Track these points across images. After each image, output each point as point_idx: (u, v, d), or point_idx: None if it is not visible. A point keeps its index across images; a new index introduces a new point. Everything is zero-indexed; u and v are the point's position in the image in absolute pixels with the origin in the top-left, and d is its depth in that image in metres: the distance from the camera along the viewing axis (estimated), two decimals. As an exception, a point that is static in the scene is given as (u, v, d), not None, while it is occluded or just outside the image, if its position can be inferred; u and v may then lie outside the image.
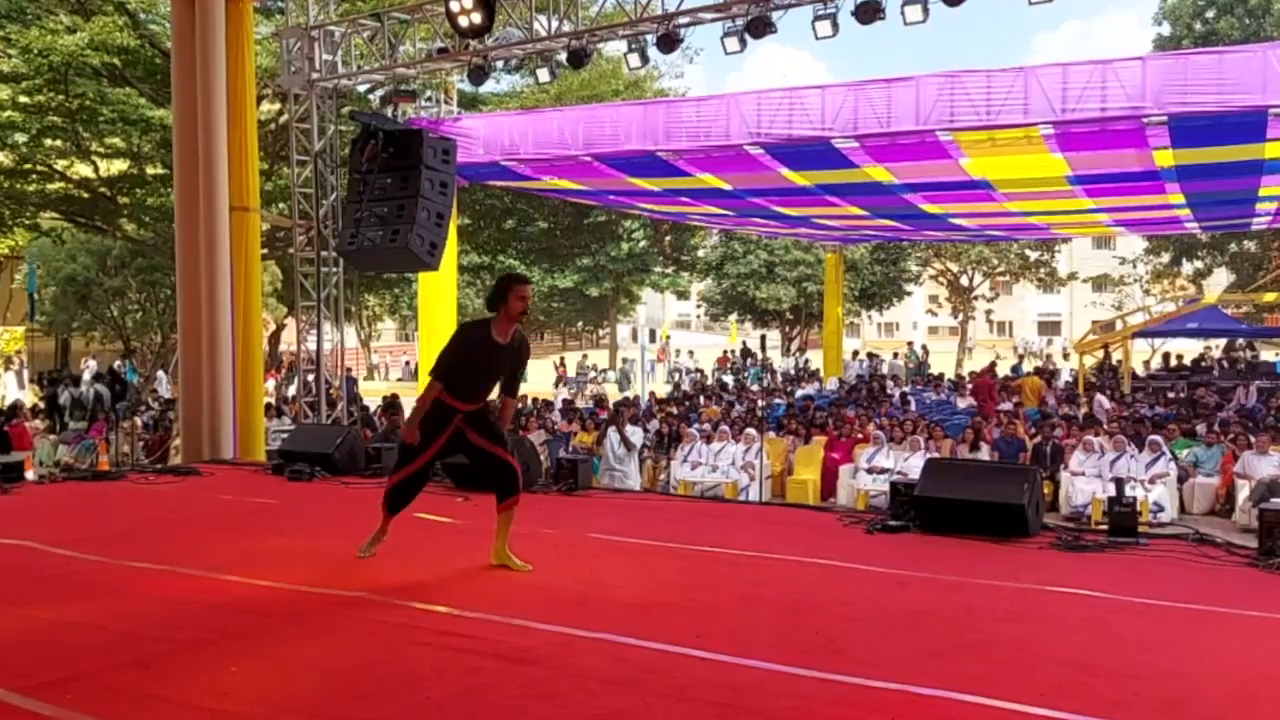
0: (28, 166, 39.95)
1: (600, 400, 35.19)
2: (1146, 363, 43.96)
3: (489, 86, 32.09)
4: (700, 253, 64.74)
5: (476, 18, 18.36)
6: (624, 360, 65.03)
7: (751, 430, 24.77)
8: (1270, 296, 43.56)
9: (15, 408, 32.04)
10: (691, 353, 70.87)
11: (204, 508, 15.06)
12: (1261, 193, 23.44)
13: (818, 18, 16.88)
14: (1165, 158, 20.31)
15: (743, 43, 17.53)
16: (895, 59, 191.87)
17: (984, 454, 23.12)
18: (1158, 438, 22.65)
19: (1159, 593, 9.66)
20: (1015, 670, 7.28)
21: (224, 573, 10.41)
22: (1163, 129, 18.45)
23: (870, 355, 54.16)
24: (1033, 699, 6.54)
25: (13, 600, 9.44)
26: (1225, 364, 41.71)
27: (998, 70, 18.55)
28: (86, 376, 38.84)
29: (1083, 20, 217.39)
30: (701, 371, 51.86)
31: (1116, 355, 39.68)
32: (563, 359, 63.73)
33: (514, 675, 7.28)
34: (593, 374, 55.84)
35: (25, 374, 49.80)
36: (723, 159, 22.54)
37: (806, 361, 54.23)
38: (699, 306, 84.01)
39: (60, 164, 40.75)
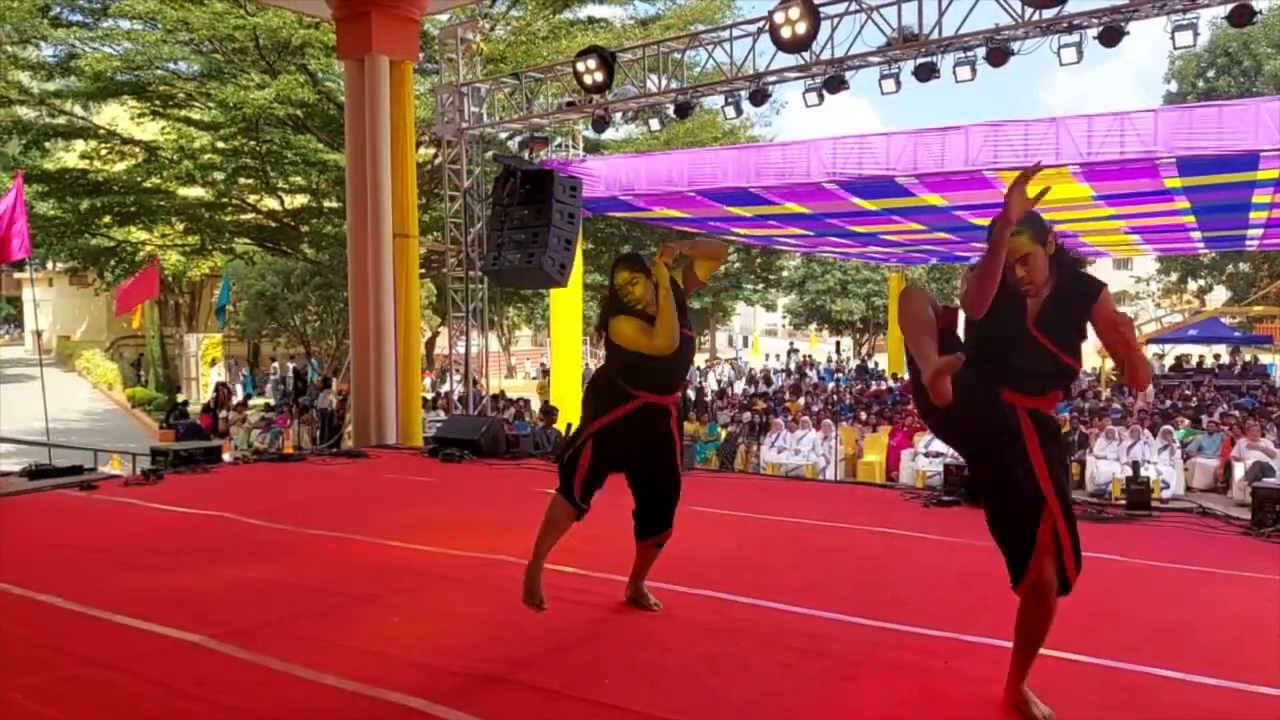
0: (225, 200, 40.41)
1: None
2: (1160, 361, 43.73)
3: (609, 134, 32.16)
4: (785, 272, 65.03)
5: (599, 76, 18.45)
6: (736, 357, 66.05)
7: (828, 420, 24.90)
8: (1258, 309, 43.58)
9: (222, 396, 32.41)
10: (784, 353, 70.92)
11: (370, 484, 15.21)
12: (1254, 199, 23.14)
13: (883, 76, 16.83)
14: (1174, 182, 20.22)
15: (821, 97, 17.50)
16: (917, 100, 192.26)
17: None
18: (1169, 426, 22.81)
19: (1168, 557, 9.84)
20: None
21: (387, 539, 10.50)
22: (1172, 165, 18.46)
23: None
24: (1063, 645, 6.51)
25: (212, 561, 9.57)
26: (1228, 366, 41.63)
27: (1034, 120, 18.56)
28: (316, 379, 39.28)
29: (1075, 73, 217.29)
30: (789, 371, 51.86)
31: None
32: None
33: (629, 625, 7.38)
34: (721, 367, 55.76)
35: (242, 373, 50.62)
36: (803, 192, 22.61)
37: (876, 364, 54.45)
38: (784, 317, 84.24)
39: (252, 198, 41.22)
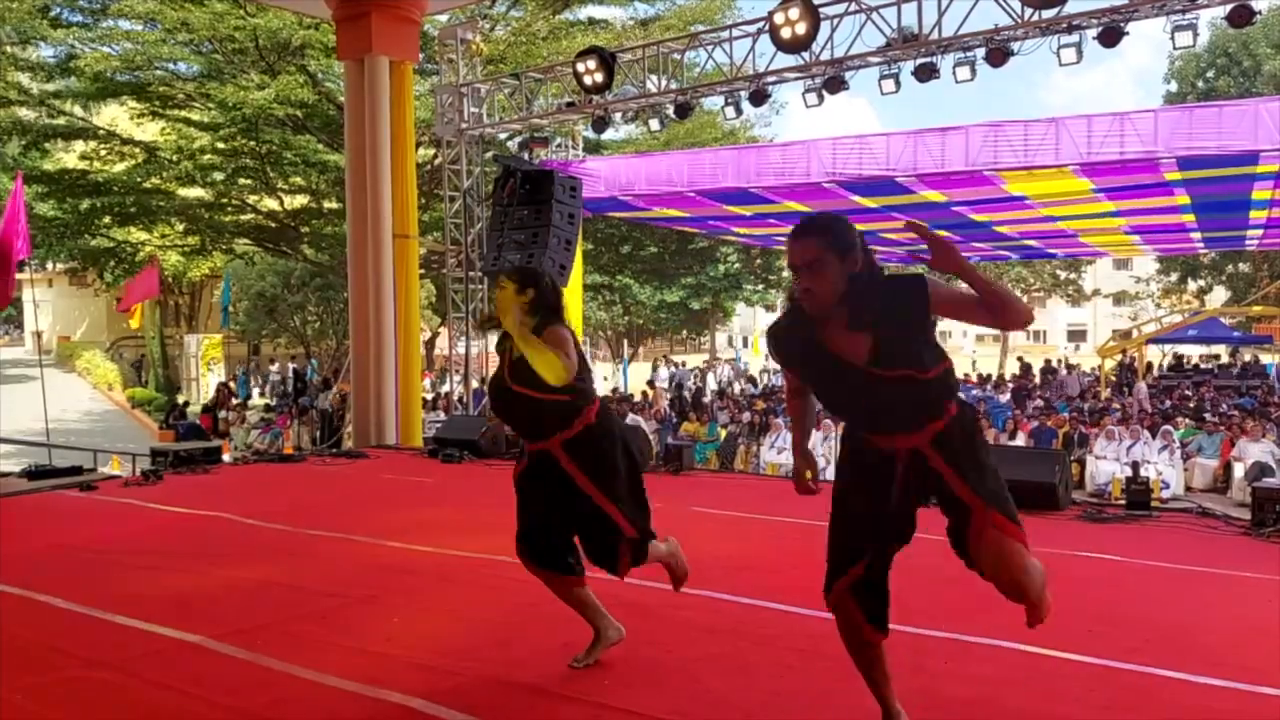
0: (225, 201, 40.50)
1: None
2: (1161, 364, 43.76)
3: (609, 134, 32.15)
4: (785, 272, 65.07)
5: (599, 77, 18.46)
6: (736, 358, 66.29)
7: (828, 420, 24.86)
8: (1258, 310, 43.71)
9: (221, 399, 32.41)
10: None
11: (370, 485, 15.20)
12: (1254, 195, 23.11)
13: (883, 76, 16.82)
14: (1174, 175, 20.23)
15: (820, 98, 17.49)
16: (915, 98, 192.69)
17: (1020, 440, 23.18)
18: (1168, 427, 22.90)
19: (1168, 557, 9.85)
20: (1048, 621, 7.26)
21: (387, 539, 10.51)
22: (1172, 162, 18.46)
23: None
24: (1064, 645, 6.58)
25: (212, 561, 9.58)
26: (1227, 366, 41.71)
27: (1034, 121, 18.57)
28: (316, 379, 39.32)
29: (1074, 74, 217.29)
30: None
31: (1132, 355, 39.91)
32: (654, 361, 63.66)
33: (629, 625, 7.12)
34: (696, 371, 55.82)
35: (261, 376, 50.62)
36: (803, 190, 22.60)
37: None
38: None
39: (251, 199, 41.26)
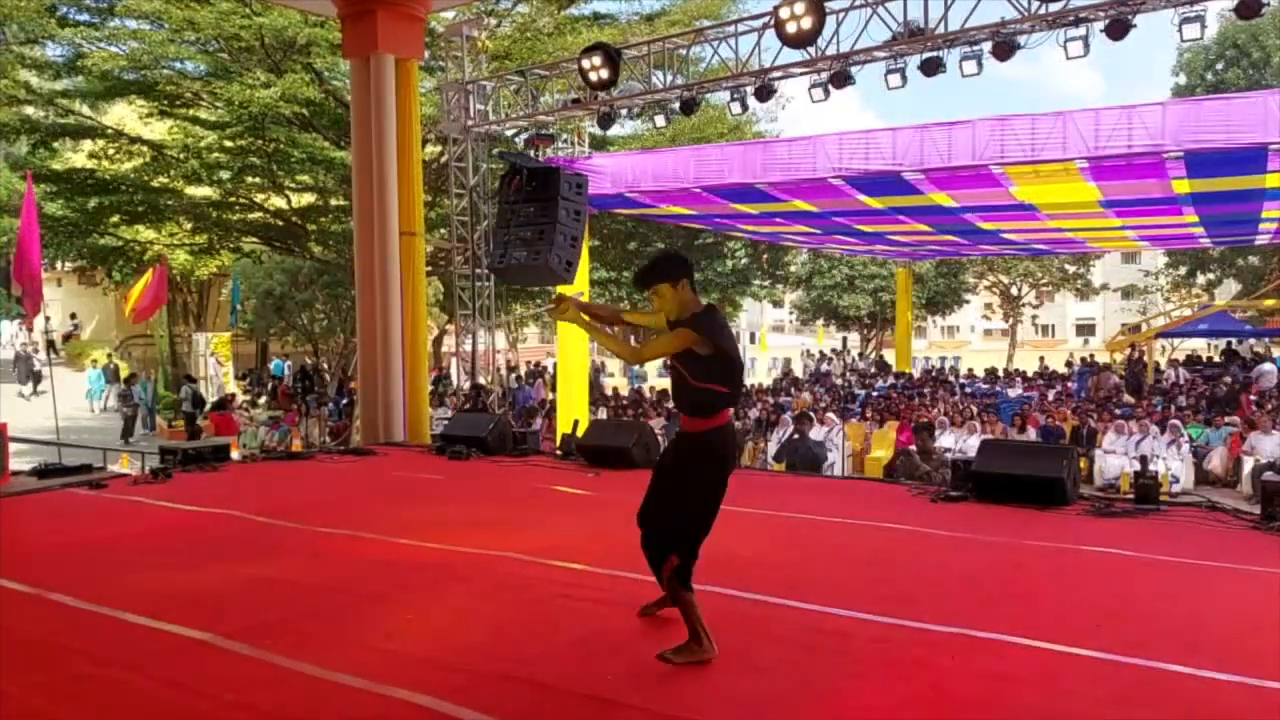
0: (232, 199, 40.39)
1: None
2: (1172, 360, 43.54)
3: (615, 130, 32.11)
4: (792, 268, 64.85)
5: (604, 73, 18.48)
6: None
7: (833, 415, 24.83)
8: (1269, 302, 43.43)
9: (226, 400, 32.32)
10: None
11: (379, 482, 15.20)
12: (1264, 214, 23.20)
13: (889, 71, 16.82)
14: (1182, 186, 20.18)
15: (826, 92, 17.50)
16: (914, 99, 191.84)
17: (1030, 435, 23.12)
18: (1176, 421, 22.87)
19: (1176, 551, 9.79)
20: (1056, 616, 7.32)
21: (395, 536, 10.50)
22: (1179, 163, 18.34)
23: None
24: (1070, 640, 6.58)
25: (220, 559, 9.57)
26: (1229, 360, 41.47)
27: (1040, 115, 18.49)
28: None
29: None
30: (790, 369, 51.50)
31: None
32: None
33: (636, 621, 7.36)
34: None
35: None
36: (810, 188, 22.52)
37: (880, 359, 54.09)
38: (791, 313, 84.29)
39: (258, 197, 41.16)
